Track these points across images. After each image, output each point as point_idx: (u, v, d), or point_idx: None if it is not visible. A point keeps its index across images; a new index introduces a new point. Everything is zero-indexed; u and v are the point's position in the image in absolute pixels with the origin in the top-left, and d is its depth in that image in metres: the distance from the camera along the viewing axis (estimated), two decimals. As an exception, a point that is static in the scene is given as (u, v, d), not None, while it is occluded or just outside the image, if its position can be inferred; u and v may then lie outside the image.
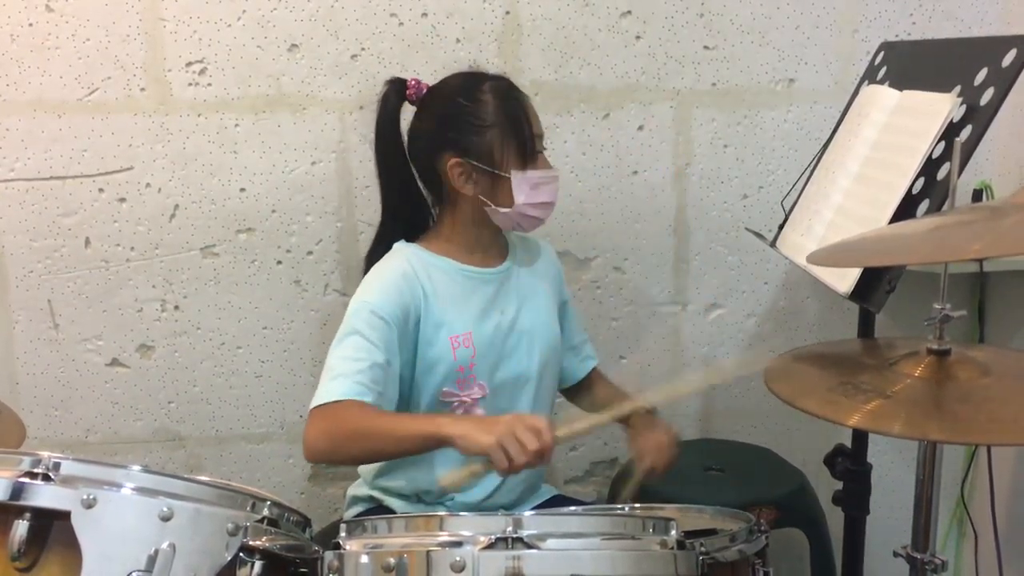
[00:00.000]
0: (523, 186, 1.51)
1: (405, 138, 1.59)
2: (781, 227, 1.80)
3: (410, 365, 1.53)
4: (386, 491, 1.63)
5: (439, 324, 1.53)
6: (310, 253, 2.00)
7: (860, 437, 1.67)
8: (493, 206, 1.54)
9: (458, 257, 1.59)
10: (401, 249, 1.59)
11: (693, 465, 1.91)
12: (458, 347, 1.53)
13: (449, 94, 1.56)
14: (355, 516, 1.65)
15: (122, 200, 1.94)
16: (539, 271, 1.69)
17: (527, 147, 1.52)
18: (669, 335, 2.13)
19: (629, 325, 2.12)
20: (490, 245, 1.63)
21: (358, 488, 1.70)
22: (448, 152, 1.53)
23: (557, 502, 1.70)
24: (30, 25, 1.85)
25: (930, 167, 1.40)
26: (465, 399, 1.55)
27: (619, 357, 2.12)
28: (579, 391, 1.78)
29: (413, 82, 1.58)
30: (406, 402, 1.55)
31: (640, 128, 2.03)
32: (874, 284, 1.41)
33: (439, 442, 1.34)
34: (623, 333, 2.12)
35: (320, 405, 1.42)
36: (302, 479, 2.11)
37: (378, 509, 1.64)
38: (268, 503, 1.06)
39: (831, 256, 1.28)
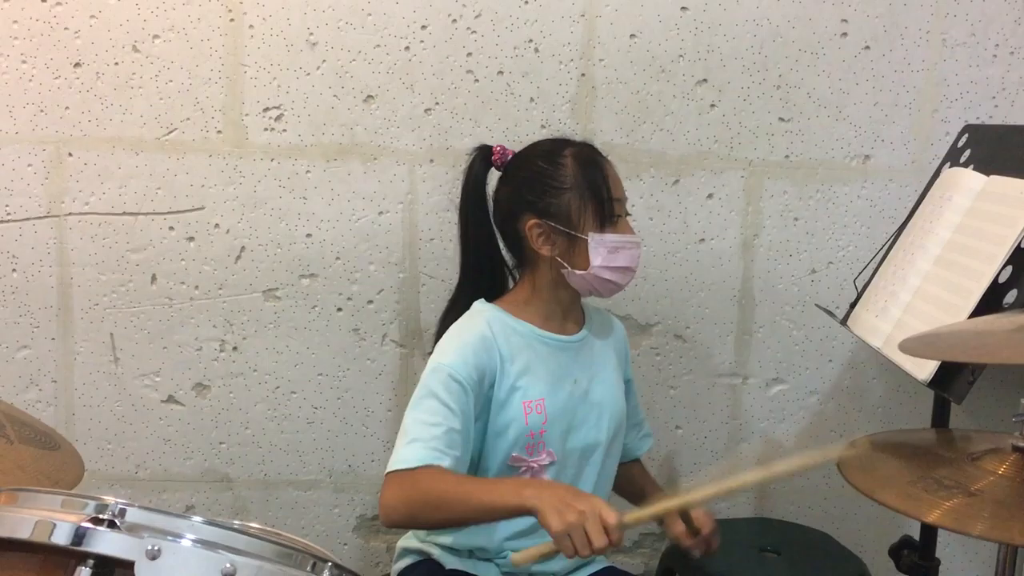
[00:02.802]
0: (600, 249, 1.50)
1: (490, 203, 1.61)
2: (853, 305, 1.76)
3: (482, 428, 1.52)
4: (437, 546, 1.61)
5: (513, 388, 1.51)
6: (370, 302, 2.00)
7: (929, 530, 1.61)
8: (570, 268, 1.53)
9: (536, 322, 1.58)
10: (482, 310, 1.58)
11: (748, 545, 1.85)
12: (531, 412, 1.51)
13: (531, 158, 1.58)
14: (402, 569, 1.64)
15: (191, 239, 1.95)
16: (610, 345, 1.69)
17: (605, 209, 1.51)
18: (728, 407, 2.08)
19: (687, 394, 2.08)
20: (568, 312, 1.62)
21: (408, 540, 1.67)
22: (528, 213, 1.54)
23: (607, 574, 1.66)
24: (116, 64, 1.89)
25: (1019, 256, 1.36)
26: (533, 465, 1.52)
27: (675, 427, 2.08)
28: (622, 471, 1.72)
29: (499, 148, 1.61)
30: (475, 466, 1.53)
31: (709, 196, 2.01)
32: (955, 373, 1.37)
33: (522, 513, 1.31)
34: (681, 402, 2.08)
35: (397, 471, 1.40)
36: (347, 529, 2.08)
37: (427, 563, 1.61)
38: (329, 564, 1.03)
39: (916, 347, 1.24)
